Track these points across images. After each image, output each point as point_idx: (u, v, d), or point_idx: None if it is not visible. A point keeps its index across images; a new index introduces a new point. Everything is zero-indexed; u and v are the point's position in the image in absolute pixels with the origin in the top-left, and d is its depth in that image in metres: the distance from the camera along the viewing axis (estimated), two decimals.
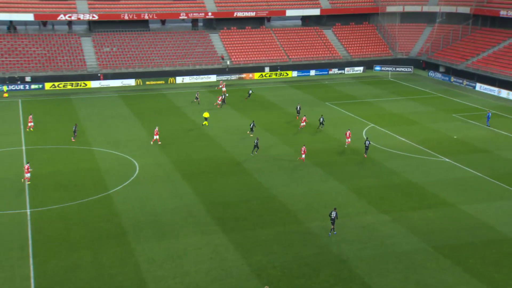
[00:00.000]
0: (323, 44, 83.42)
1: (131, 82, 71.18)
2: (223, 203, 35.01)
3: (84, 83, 69.57)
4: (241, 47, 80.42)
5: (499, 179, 38.26)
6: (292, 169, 40.82)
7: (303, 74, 77.69)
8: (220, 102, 58.07)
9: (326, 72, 79.10)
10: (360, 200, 35.48)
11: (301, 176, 39.50)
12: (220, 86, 66.20)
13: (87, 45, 75.42)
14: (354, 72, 79.80)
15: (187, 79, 73.47)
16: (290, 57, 79.98)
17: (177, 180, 38.60)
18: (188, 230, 31.54)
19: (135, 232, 31.23)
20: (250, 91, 63.29)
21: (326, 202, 35.15)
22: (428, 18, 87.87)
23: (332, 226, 31.00)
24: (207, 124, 50.47)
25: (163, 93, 66.93)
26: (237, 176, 39.55)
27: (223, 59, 77.60)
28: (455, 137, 48.49)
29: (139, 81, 71.33)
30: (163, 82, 72.36)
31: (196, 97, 60.33)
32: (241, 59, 78.21)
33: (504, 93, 63.99)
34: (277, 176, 39.54)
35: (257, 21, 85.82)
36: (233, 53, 79.04)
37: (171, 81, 72.63)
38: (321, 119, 50.21)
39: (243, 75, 75.91)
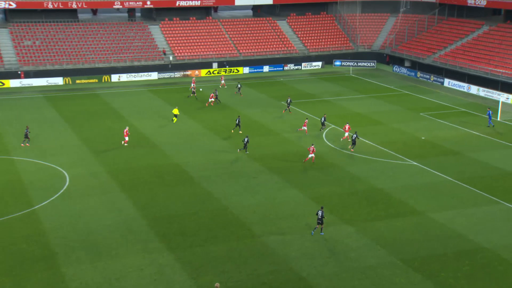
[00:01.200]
0: (277, 37, 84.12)
1: (58, 80, 69.46)
2: (168, 217, 34.65)
3: (1, 82, 67.32)
4: (185, 41, 79.98)
5: (471, 184, 39.63)
6: (245, 176, 40.90)
7: (255, 70, 78.07)
8: (212, 99, 57.31)
9: (281, 68, 79.80)
10: None
11: (256, 184, 39.62)
12: (222, 82, 68.28)
13: (4, 37, 73.05)
14: (311, 67, 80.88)
15: (124, 77, 72.40)
16: (241, 51, 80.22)
17: (115, 192, 37.92)
18: (128, 249, 30.99)
19: (66, 254, 30.41)
20: (239, 85, 65.20)
21: (284, 213, 35.35)
22: (391, 7, 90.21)
23: (318, 226, 32.28)
24: (175, 121, 52.76)
25: (97, 93, 65.70)
26: (184, 186, 39.26)
27: (165, 54, 76.93)
28: (423, 138, 49.91)
29: (68, 79, 69.72)
30: (96, 80, 71.06)
31: (193, 91, 62.68)
32: (186, 54, 77.79)
33: (474, 89, 66.48)
34: (229, 184, 39.51)
35: (203, 11, 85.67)
36: (176, 48, 78.52)
37: (106, 80, 71.39)
38: (323, 119, 50.88)
39: (188, 72, 75.52)
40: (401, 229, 33.46)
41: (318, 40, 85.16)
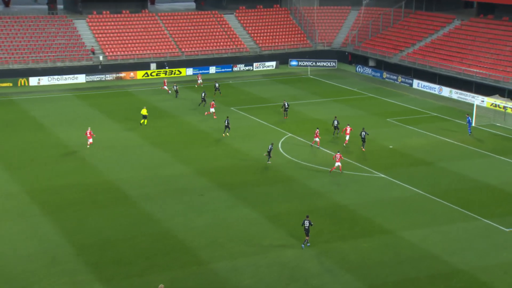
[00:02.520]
0: (224, 33, 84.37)
1: None
2: (100, 243, 34.06)
3: None
4: (117, 38, 79.18)
5: (445, 198, 40.58)
6: (190, 194, 40.69)
7: (200, 71, 78.00)
8: (212, 110, 57.29)
9: (230, 69, 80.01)
10: (278, 230, 36.00)
11: (203, 203, 39.45)
12: (199, 81, 70.27)
13: None
14: (264, 68, 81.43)
15: (45, 81, 71.03)
16: (183, 50, 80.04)
17: (35, 216, 36.99)
18: (52, 282, 30.26)
19: None
20: (217, 84, 66.46)
21: (235, 235, 35.28)
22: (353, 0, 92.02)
23: (307, 238, 33.46)
24: (145, 123, 54.52)
25: (12, 99, 64.17)
26: (118, 206, 38.70)
27: (93, 53, 75.86)
28: (390, 146, 50.86)
29: None
30: (11, 84, 69.48)
31: (176, 90, 64.86)
32: (118, 53, 77.00)
33: (446, 91, 68.34)
34: (171, 204, 39.21)
35: (138, 4, 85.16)
36: (107, 46, 77.63)
37: (22, 83, 69.85)
38: (335, 122, 52.09)
39: (122, 75, 74.77)
40: (368, 250, 33.88)
41: (271, 37, 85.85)
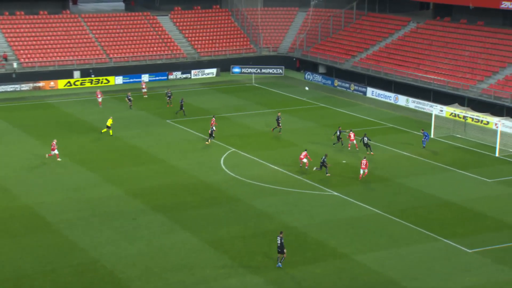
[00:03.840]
0: (158, 37, 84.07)
1: None
2: (15, 278, 33.22)
3: None
4: (34, 42, 77.84)
5: (403, 217, 41.23)
6: (121, 218, 40.18)
7: (131, 80, 77.43)
8: (209, 140, 55.27)
9: (165, 77, 79.70)
10: (221, 256, 35.86)
11: (135, 228, 39.00)
12: (144, 90, 70.06)
13: None
14: (204, 76, 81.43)
15: None
16: (111, 56, 79.31)
17: None
18: None
19: None
20: (169, 92, 66.46)
21: (173, 264, 34.96)
22: (301, 0, 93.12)
23: (279, 255, 34.26)
24: (111, 133, 55.75)
25: None
26: (37, 234, 37.85)
27: (6, 60, 74.27)
28: (344, 161, 51.48)
29: None
30: None
31: (129, 98, 65.24)
32: (36, 59, 75.68)
33: (402, 100, 69.72)
34: (99, 230, 38.62)
35: (58, 3, 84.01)
36: (21, 51, 76.23)
37: None
38: (338, 132, 53.72)
39: (40, 84, 73.45)
40: (321, 276, 34.05)
41: (211, 42, 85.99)
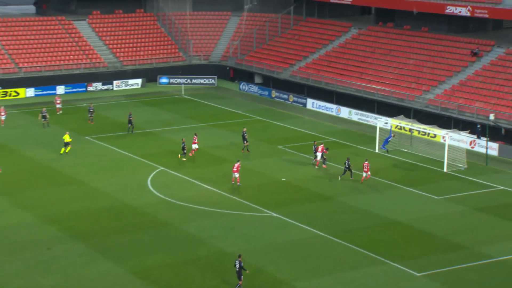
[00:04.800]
0: (74, 44, 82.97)
1: None
2: None
3: None
4: None
5: (348, 239, 41.27)
6: (34, 248, 39.36)
7: (44, 93, 76.12)
8: (196, 146, 55.93)
9: (84, 89, 78.69)
10: None
11: (51, 258, 38.21)
12: (58, 106, 68.78)
13: None
14: (127, 87, 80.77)
15: None
16: (21, 65, 77.82)
17: None
18: None
19: None
20: (91, 108, 65.88)
21: None
22: (233, 3, 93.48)
23: (239, 282, 34.26)
24: (68, 150, 55.42)
25: None
26: None
27: None
28: (283, 179, 51.69)
29: None
30: None
31: (44, 116, 63.66)
32: None
33: (345, 112, 70.56)
34: (9, 262, 37.75)
35: None
36: None
37: None
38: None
39: None
40: None
41: (135, 49, 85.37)
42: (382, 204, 46.96)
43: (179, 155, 55.15)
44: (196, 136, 56.49)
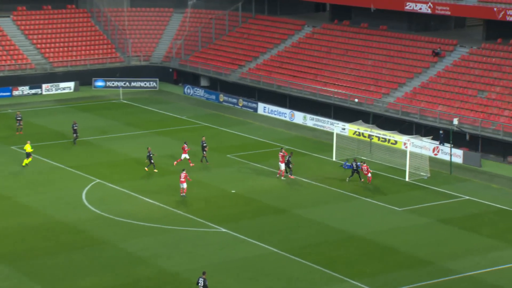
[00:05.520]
0: None
1: None
2: None
3: None
4: None
5: (303, 255, 41.51)
6: None
7: None
8: (187, 155, 56.23)
9: (9, 94, 77.75)
10: None
11: None
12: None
13: None
14: (59, 91, 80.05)
15: None
16: None
17: None
18: None
19: None
20: (19, 116, 63.82)
21: None
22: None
23: None
24: (29, 161, 54.96)
25: None
26: None
27: None
28: (233, 191, 51.61)
29: None
30: None
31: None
32: None
33: (299, 117, 70.79)
34: None
35: None
36: None
37: None
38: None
39: None
40: None
41: (66, 49, 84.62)
42: (340, 217, 47.17)
43: (146, 168, 54.64)
44: (186, 144, 56.14)
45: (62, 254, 41.00)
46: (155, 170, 54.62)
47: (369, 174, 53.04)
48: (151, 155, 54.44)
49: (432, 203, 50.08)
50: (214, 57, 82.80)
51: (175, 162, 55.51)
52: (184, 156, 55.73)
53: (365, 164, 53.30)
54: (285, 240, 43.52)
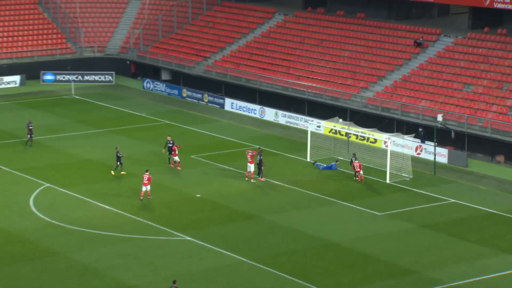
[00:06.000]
0: None
1: None
2: None
3: None
4: None
5: (275, 265, 41.40)
6: None
7: None
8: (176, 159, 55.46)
9: None
10: None
11: None
12: None
13: None
14: (3, 86, 79.71)
15: None
16: None
17: None
18: None
19: None
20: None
21: None
22: None
23: None
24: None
25: None
26: None
27: None
28: (198, 195, 51.51)
29: None
30: None
31: None
32: None
33: (270, 114, 70.76)
34: None
35: None
36: None
37: None
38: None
39: None
40: None
41: (10, 39, 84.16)
42: (315, 223, 47.26)
43: (112, 171, 54.40)
44: (174, 143, 56.14)
45: (7, 267, 40.64)
46: (123, 172, 54.34)
47: (361, 172, 53.72)
48: (120, 155, 54.11)
49: (415, 206, 50.35)
50: (176, 48, 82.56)
51: (172, 164, 55.54)
52: (176, 158, 55.38)
53: (357, 161, 53.67)
54: (256, 248, 43.49)
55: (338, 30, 76.34)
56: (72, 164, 57.00)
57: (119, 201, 49.86)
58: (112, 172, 54.45)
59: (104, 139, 62.85)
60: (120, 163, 54.29)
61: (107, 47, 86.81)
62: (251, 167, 53.76)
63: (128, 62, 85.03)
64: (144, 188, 49.44)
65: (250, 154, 54.00)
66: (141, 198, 49.65)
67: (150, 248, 43.33)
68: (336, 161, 56.49)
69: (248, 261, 41.92)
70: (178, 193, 51.71)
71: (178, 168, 55.76)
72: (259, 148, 55.40)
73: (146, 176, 49.38)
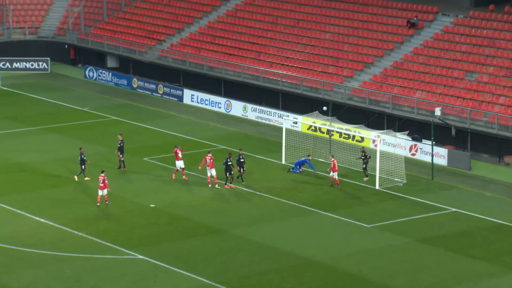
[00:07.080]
0: None
1: None
2: None
3: None
4: None
5: (231, 287, 41.69)
6: None
7: None
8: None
9: None
10: None
11: None
12: None
13: None
14: None
15: None
16: None
17: None
18: None
19: None
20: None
21: None
22: None
23: None
24: None
25: None
26: None
27: None
28: (152, 205, 51.48)
29: None
30: None
31: None
32: None
33: (237, 108, 70.70)
34: None
35: None
36: None
37: None
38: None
39: None
40: None
41: None
42: (292, 237, 47.38)
43: (76, 177, 54.38)
44: (177, 147, 55.70)
45: None
46: (87, 178, 54.28)
47: (336, 175, 53.86)
48: (84, 158, 53.88)
49: (409, 217, 50.63)
50: (125, 30, 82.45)
51: (173, 175, 55.36)
52: (179, 164, 55.17)
53: (334, 159, 53.87)
54: (222, 268, 43.56)
55: (317, 8, 76.53)
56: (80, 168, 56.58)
57: (58, 212, 49.68)
58: (76, 178, 54.43)
59: (38, 139, 62.70)
60: (83, 168, 54.24)
61: (41, 28, 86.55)
62: (212, 172, 53.74)
63: (66, 46, 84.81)
64: (100, 192, 49.68)
65: (209, 157, 53.80)
66: (98, 203, 49.76)
67: (94, 269, 43.20)
68: (308, 156, 56.51)
69: (212, 283, 41.97)
70: (128, 203, 51.64)
71: (184, 177, 55.31)
72: (230, 153, 55.21)
73: (101, 177, 49.50)
